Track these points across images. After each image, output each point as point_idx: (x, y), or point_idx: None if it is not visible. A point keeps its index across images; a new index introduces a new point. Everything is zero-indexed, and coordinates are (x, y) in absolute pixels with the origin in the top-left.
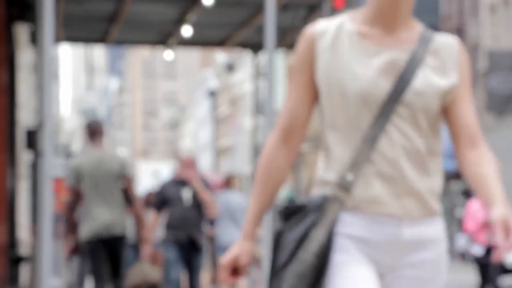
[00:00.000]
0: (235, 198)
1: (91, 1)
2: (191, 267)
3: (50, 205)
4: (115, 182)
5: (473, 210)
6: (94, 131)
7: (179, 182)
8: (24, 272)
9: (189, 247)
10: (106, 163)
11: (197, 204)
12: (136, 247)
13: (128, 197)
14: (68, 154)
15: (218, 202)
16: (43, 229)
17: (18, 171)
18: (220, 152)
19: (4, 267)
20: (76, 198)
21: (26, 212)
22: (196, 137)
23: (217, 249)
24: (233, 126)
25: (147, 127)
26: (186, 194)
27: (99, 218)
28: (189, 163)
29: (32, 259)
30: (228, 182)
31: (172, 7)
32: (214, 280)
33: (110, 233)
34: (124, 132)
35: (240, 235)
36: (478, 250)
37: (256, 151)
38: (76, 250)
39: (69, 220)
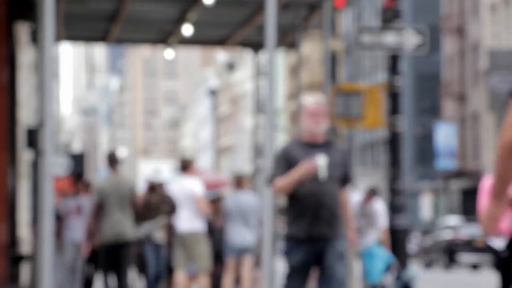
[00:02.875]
0: (246, 199)
1: (92, 0)
2: (326, 259)
3: (50, 204)
4: (126, 200)
5: (488, 189)
6: (112, 160)
7: (309, 145)
8: (24, 270)
9: (323, 240)
10: (121, 186)
11: (337, 176)
12: (158, 247)
13: (136, 209)
14: (68, 152)
15: (228, 203)
16: (43, 228)
17: (19, 170)
18: (220, 152)
19: (4, 265)
20: (99, 211)
21: (26, 211)
22: (196, 136)
23: (227, 250)
24: (234, 126)
25: (147, 126)
26: (321, 162)
27: (110, 228)
28: (320, 112)
29: (32, 257)
30: (239, 182)
31: (173, 6)
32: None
33: (117, 240)
34: (125, 131)
35: None
36: (497, 242)
37: (257, 150)
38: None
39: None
